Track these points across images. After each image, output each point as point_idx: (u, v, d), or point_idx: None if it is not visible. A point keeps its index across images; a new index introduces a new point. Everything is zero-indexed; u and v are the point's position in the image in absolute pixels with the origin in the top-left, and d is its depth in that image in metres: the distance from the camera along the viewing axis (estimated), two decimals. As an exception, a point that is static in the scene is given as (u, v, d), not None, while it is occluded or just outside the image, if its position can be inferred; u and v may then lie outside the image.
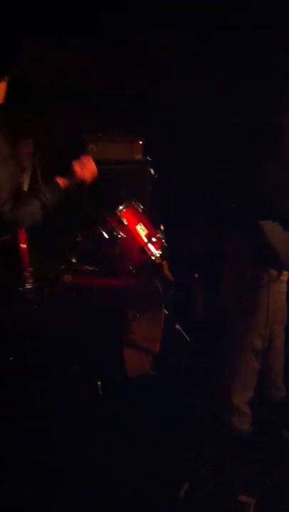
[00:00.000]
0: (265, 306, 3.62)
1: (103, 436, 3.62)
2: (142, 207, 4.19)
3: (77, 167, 3.57)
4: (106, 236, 4.02)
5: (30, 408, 3.77)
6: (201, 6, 4.23)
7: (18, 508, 3.02)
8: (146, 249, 4.07)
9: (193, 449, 3.58)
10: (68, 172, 3.54)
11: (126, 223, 4.03)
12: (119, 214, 4.05)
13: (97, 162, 4.15)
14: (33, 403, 3.80)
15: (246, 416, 3.72)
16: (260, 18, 4.19)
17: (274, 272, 3.62)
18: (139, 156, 4.85)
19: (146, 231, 4.09)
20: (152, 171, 4.79)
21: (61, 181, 3.50)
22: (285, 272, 3.72)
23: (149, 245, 4.07)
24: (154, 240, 4.08)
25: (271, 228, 3.51)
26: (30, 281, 3.76)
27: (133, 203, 4.15)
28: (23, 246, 3.75)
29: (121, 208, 4.08)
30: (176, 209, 4.80)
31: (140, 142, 4.86)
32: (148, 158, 4.81)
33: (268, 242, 3.50)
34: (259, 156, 3.54)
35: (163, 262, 4.40)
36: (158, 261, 4.17)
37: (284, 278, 3.73)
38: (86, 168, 3.61)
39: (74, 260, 4.08)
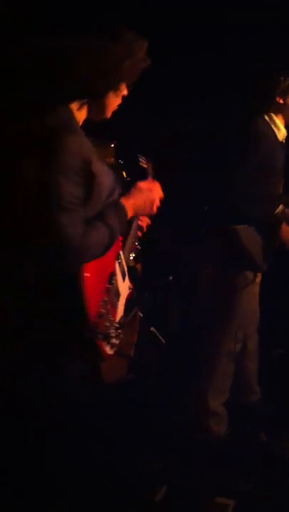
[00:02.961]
0: (239, 309, 3.64)
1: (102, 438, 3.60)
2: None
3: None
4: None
5: (30, 408, 3.70)
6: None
7: (18, 508, 2.99)
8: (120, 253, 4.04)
9: (175, 453, 3.57)
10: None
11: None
12: (91, 217, 4.01)
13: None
14: (32, 403, 3.74)
15: (222, 418, 3.74)
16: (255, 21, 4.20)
17: (250, 274, 3.64)
18: (111, 160, 4.81)
19: (118, 235, 4.06)
20: (124, 174, 4.77)
21: (129, 207, 2.73)
22: (259, 274, 3.74)
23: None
24: (127, 243, 4.05)
25: (246, 233, 3.53)
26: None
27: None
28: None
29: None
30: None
31: (112, 145, 4.83)
32: (120, 161, 4.78)
33: (243, 246, 3.51)
34: (235, 161, 3.56)
35: (137, 265, 4.37)
36: (132, 264, 4.15)
37: (258, 280, 3.75)
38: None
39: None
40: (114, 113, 2.77)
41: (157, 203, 2.87)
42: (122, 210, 2.67)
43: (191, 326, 4.19)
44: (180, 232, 4.49)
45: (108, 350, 2.65)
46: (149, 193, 2.86)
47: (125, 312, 2.87)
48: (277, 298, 4.07)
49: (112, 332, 2.67)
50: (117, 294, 2.77)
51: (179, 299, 4.87)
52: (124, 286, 2.92)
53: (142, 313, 4.36)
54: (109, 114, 2.74)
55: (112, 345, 2.67)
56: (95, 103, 2.62)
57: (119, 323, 2.74)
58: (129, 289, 2.96)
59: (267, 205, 3.65)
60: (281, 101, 3.65)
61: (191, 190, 3.99)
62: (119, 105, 2.75)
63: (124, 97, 2.74)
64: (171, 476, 3.38)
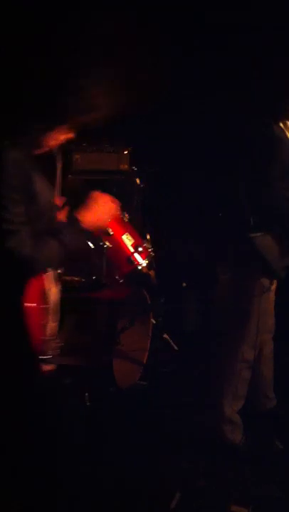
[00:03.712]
0: (256, 316, 3.60)
1: (101, 447, 3.60)
2: (127, 216, 4.17)
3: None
4: (92, 246, 4.00)
5: (30, 414, 3.72)
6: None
7: (19, 508, 2.99)
8: (133, 259, 4.04)
9: (190, 459, 3.54)
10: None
11: (112, 233, 4.00)
12: (105, 224, 4.02)
13: (82, 172, 4.12)
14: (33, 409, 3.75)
15: (238, 426, 3.69)
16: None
17: (266, 281, 3.61)
18: (125, 166, 4.84)
19: (132, 241, 4.07)
20: (138, 181, 4.78)
21: (85, 222, 2.86)
22: (274, 281, 3.71)
23: (136, 255, 4.05)
24: (140, 249, 4.06)
25: (263, 241, 3.50)
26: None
27: (119, 213, 4.14)
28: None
29: (106, 217, 4.05)
30: (164, 218, 4.78)
31: (126, 152, 4.85)
32: (134, 167, 4.79)
33: (260, 255, 3.48)
34: (249, 168, 3.55)
35: (150, 272, 4.37)
36: (145, 270, 4.15)
37: (273, 287, 3.72)
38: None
39: (59, 271, 4.05)
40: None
41: (114, 212, 2.97)
42: (77, 226, 2.81)
43: (202, 329, 4.16)
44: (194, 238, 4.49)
45: (46, 367, 2.76)
46: (106, 203, 2.93)
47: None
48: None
49: (51, 351, 2.78)
50: (52, 308, 2.87)
51: (197, 306, 4.86)
52: (55, 293, 2.96)
53: (156, 319, 4.37)
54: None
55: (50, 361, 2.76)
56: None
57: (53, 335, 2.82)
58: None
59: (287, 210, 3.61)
60: None
61: (204, 196, 3.98)
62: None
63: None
64: (188, 484, 3.35)
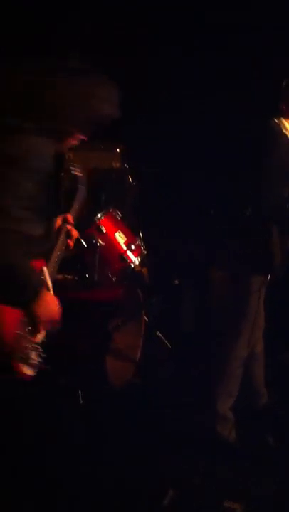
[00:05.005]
0: (253, 313, 3.62)
1: (101, 447, 3.62)
2: (120, 214, 4.16)
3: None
4: (85, 244, 3.98)
5: (29, 415, 3.70)
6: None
7: (19, 508, 2.98)
8: (126, 257, 4.04)
9: (190, 459, 3.55)
10: None
11: (104, 231, 4.00)
12: (97, 222, 4.01)
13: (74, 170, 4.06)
14: (32, 409, 3.74)
15: (230, 422, 3.71)
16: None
17: (263, 278, 3.62)
18: (117, 164, 4.82)
19: (125, 238, 4.07)
20: (130, 179, 4.77)
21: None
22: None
23: (128, 253, 4.05)
24: (133, 247, 4.06)
25: (276, 234, 3.51)
26: None
27: (111, 211, 4.12)
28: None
29: (99, 215, 4.04)
30: (164, 218, 4.77)
31: (118, 150, 4.83)
32: (126, 165, 4.78)
33: (274, 246, 3.49)
34: (253, 161, 3.55)
35: (143, 269, 4.37)
36: (137, 268, 4.15)
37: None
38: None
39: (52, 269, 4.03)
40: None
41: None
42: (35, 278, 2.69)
43: (199, 328, 4.16)
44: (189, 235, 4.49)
45: (26, 370, 2.65)
46: (53, 312, 2.74)
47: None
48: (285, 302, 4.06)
49: (31, 353, 2.68)
50: None
51: (189, 301, 4.85)
52: None
53: (148, 317, 4.37)
54: None
55: (31, 366, 2.67)
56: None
57: (39, 342, 2.73)
58: None
59: (284, 206, 3.62)
60: (284, 107, 3.64)
61: (204, 196, 3.99)
62: None
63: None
64: (177, 479, 3.36)
